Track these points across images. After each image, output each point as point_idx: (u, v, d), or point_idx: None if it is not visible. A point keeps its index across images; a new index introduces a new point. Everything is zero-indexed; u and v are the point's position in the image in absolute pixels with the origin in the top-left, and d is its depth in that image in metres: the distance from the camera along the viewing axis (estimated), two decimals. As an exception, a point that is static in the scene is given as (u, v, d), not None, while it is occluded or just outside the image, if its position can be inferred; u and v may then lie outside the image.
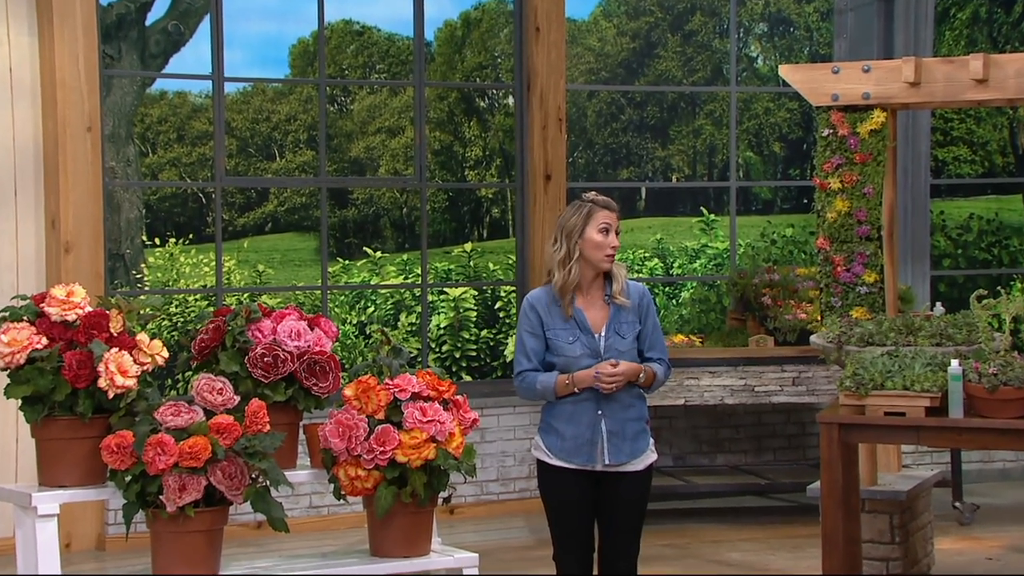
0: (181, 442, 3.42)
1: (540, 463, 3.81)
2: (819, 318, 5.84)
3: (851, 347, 4.59)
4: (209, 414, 3.56)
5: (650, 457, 3.78)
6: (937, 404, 4.12)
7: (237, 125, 6.59)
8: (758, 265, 6.89)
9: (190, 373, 5.55)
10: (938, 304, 5.29)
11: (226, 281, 6.41)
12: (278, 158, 6.73)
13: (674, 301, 7.36)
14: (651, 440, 3.80)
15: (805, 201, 7.40)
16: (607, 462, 3.70)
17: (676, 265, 7.43)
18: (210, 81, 6.30)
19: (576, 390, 3.71)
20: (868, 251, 5.27)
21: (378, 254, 6.94)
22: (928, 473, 5.46)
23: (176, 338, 6.19)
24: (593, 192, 3.84)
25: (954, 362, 4.06)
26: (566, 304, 3.73)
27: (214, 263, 6.33)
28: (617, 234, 3.73)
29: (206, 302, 6.42)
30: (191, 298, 6.48)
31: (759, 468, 6.91)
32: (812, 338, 4.99)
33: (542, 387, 3.74)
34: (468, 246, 7.15)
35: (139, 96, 6.37)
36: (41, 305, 3.50)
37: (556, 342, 3.72)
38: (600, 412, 3.70)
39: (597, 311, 3.74)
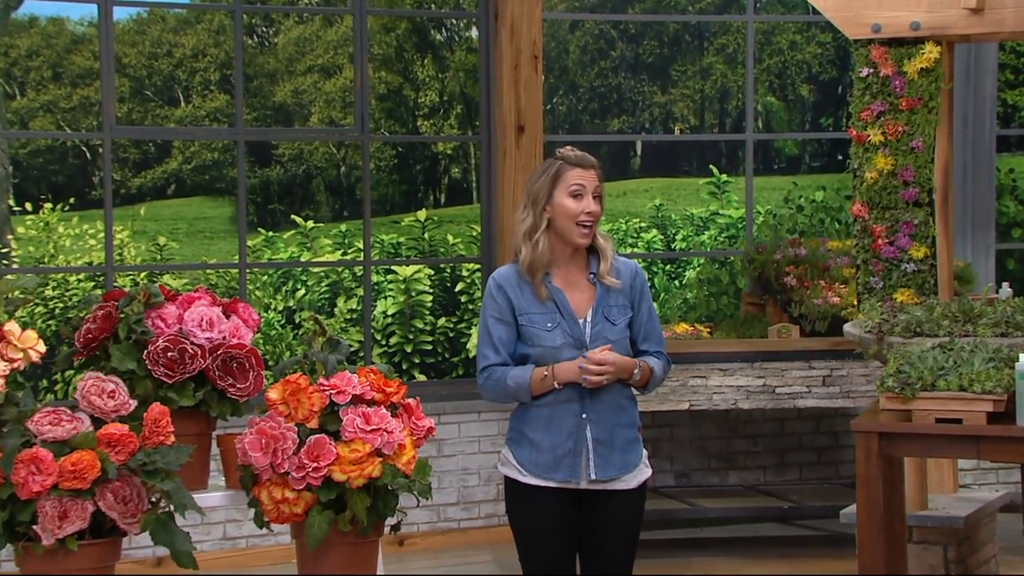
0: (62, 458, 3.39)
1: (509, 482, 3.80)
2: (855, 303, 5.87)
3: (895, 338, 4.62)
4: (98, 423, 3.52)
5: (644, 473, 3.79)
6: (1002, 408, 4.15)
7: (130, 61, 6.51)
8: (780, 237, 6.90)
9: (73, 372, 5.49)
10: (1004, 285, 5.32)
11: (118, 257, 6.35)
12: (183, 103, 6.65)
13: (677, 282, 7.37)
14: (644, 452, 3.81)
15: (839, 158, 7.43)
16: (593, 477, 3.70)
17: (679, 238, 7.44)
18: (95, 4, 6.22)
19: (556, 386, 3.69)
20: (916, 219, 5.30)
21: (309, 224, 6.89)
22: (992, 495, 5.51)
23: (54, 328, 6.13)
24: (570, 147, 3.83)
25: (1023, 356, 4.09)
26: (537, 284, 3.73)
27: (102, 235, 6.26)
28: (597, 199, 3.72)
29: (92, 283, 6.36)
30: (73, 278, 6.40)
31: (781, 488, 6.95)
32: (847, 327, 5.01)
33: (514, 384, 3.73)
34: (422, 214, 7.11)
35: (1, 22, 6.28)
36: None
37: (531, 329, 3.71)
38: (584, 416, 3.70)
39: (581, 292, 3.74)
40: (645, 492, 3.81)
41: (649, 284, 3.88)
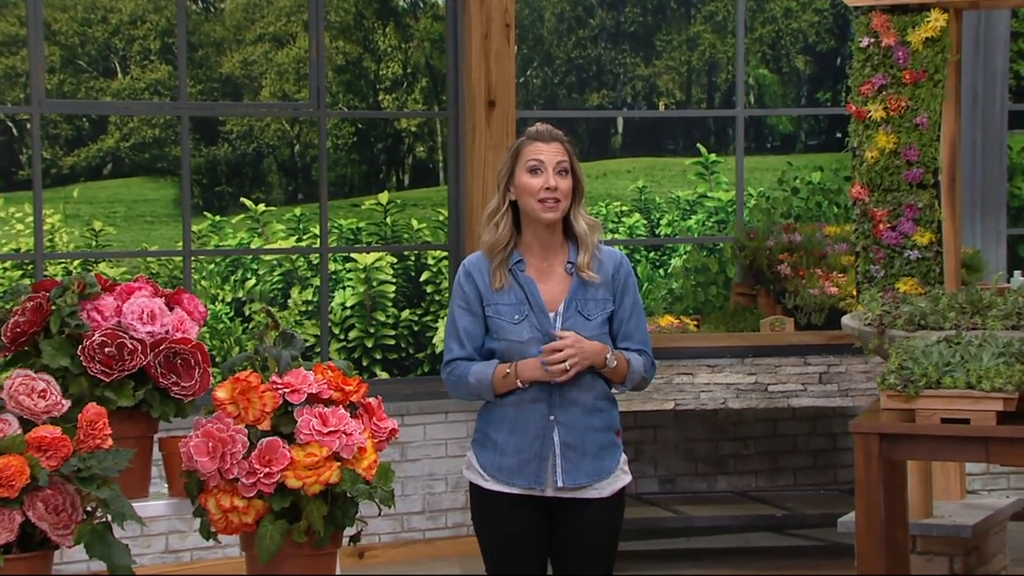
0: (-12, 463, 3.37)
1: (473, 487, 3.82)
2: (854, 293, 5.89)
3: (897, 332, 4.64)
4: (27, 425, 3.51)
5: (621, 479, 3.78)
6: (1013, 408, 4.17)
7: (61, 27, 6.47)
8: (774, 222, 6.92)
9: None
10: (1016, 273, 5.36)
11: (48, 244, 6.31)
12: (120, 75, 6.62)
13: (661, 271, 7.39)
14: (623, 457, 3.81)
15: (838, 135, 7.45)
16: (560, 484, 3.70)
17: (664, 222, 7.45)
18: (25, -33, 6.18)
19: (519, 384, 3.70)
20: (921, 202, 5.32)
21: (260, 208, 6.88)
22: (1002, 501, 5.55)
23: (-20, 322, 6.09)
24: (540, 123, 3.84)
25: (1034, 350, 4.12)
26: (494, 269, 3.73)
27: (31, 219, 6.23)
28: (564, 173, 3.71)
29: (20, 272, 6.32)
30: None
31: (774, 495, 6.98)
32: (845, 320, 5.03)
33: (476, 381, 3.73)
34: (384, 197, 7.10)
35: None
36: None
37: (497, 321, 3.72)
38: (552, 418, 3.70)
39: (555, 283, 3.74)
40: (623, 500, 3.81)
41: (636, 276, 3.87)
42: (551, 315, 3.71)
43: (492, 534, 3.78)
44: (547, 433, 3.70)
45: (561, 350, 3.63)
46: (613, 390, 3.80)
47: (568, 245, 3.77)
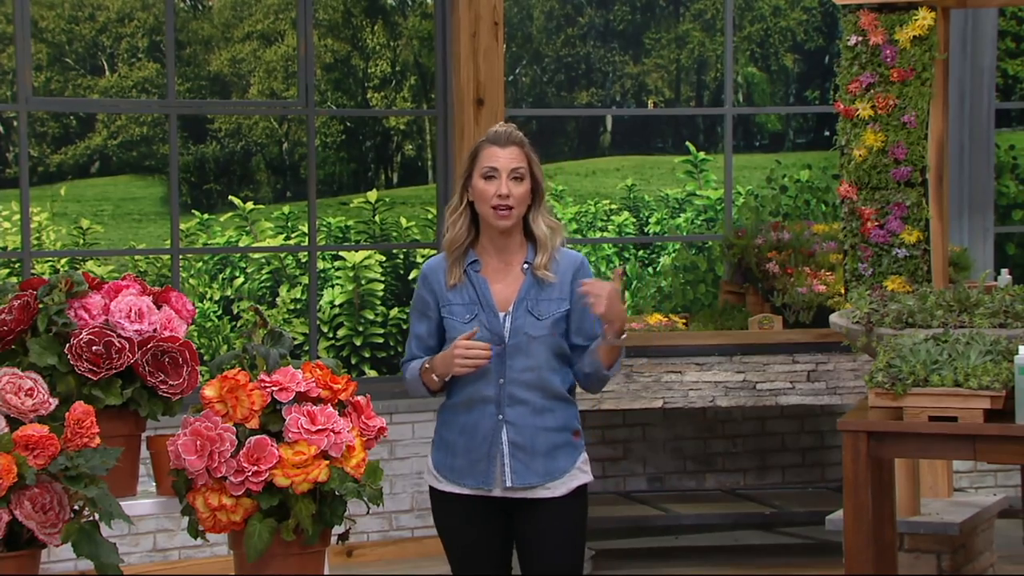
0: (-25, 462, 3.36)
1: (430, 489, 3.82)
2: (843, 291, 5.90)
3: (885, 330, 4.65)
4: (14, 424, 3.50)
5: (577, 479, 3.73)
6: (1000, 406, 4.18)
7: (48, 25, 6.46)
8: (762, 220, 6.93)
9: (-13, 368, 5.46)
10: (1003, 272, 5.36)
11: (36, 242, 6.30)
12: (108, 72, 6.61)
13: (650, 269, 7.39)
14: (581, 456, 3.75)
15: (826, 133, 7.46)
16: (508, 485, 3.67)
17: (653, 220, 7.46)
18: (12, -35, 6.17)
19: (436, 378, 3.69)
20: (909, 201, 5.33)
21: (249, 206, 6.87)
22: (990, 499, 5.56)
23: (-33, 320, 6.08)
24: (503, 123, 3.81)
25: (1023, 349, 4.13)
26: (450, 266, 3.71)
27: (18, 217, 6.21)
28: (519, 180, 3.66)
29: (7, 270, 6.31)
30: (-12, 265, 6.35)
31: (763, 493, 6.99)
32: (833, 318, 5.04)
33: (411, 377, 3.77)
34: (372, 195, 7.10)
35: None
36: None
37: (450, 321, 3.71)
38: (501, 418, 3.67)
39: (509, 284, 3.71)
40: (582, 499, 3.75)
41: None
42: (501, 315, 3.68)
43: (449, 535, 3.78)
44: (496, 433, 3.67)
45: (477, 348, 3.58)
46: (603, 373, 3.71)
47: (527, 246, 3.74)
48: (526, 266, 3.70)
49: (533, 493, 3.67)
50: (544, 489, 3.67)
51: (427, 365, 3.69)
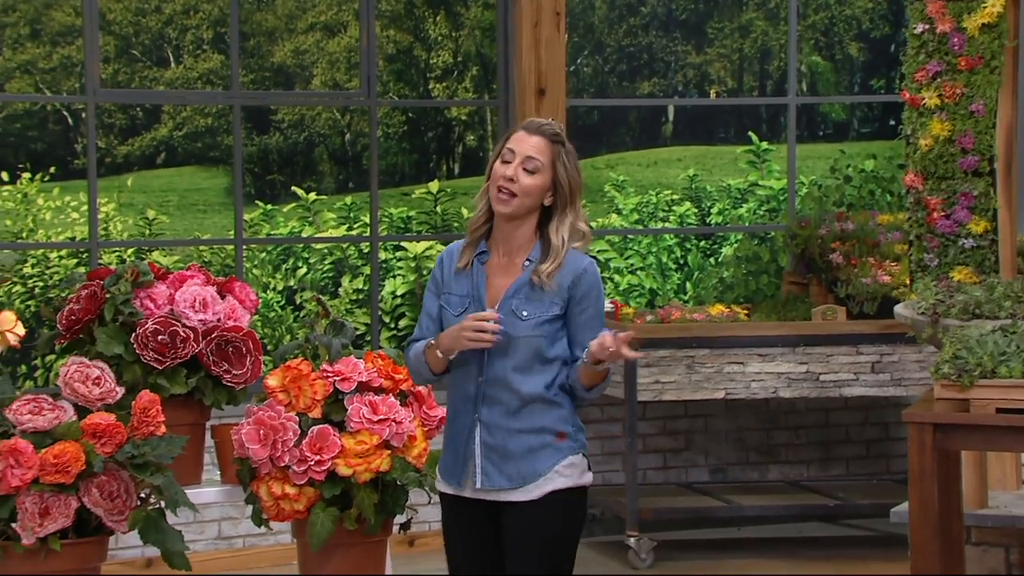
0: (43, 450, 3.40)
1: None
2: (908, 282, 5.84)
3: (951, 321, 4.60)
4: (82, 412, 3.54)
5: (553, 482, 3.51)
6: (1068, 397, 4.13)
7: (115, 17, 6.52)
8: (826, 210, 6.89)
9: (55, 357, 5.52)
10: (1071, 262, 5.27)
11: (103, 232, 6.37)
12: (173, 64, 6.66)
13: (712, 260, 7.35)
14: (566, 460, 3.53)
15: (891, 123, 7.40)
16: (477, 486, 3.52)
17: (715, 211, 7.42)
18: (79, -42, 6.23)
19: (439, 355, 3.53)
20: (976, 190, 5.27)
21: (312, 196, 6.91)
22: (1056, 490, 5.49)
23: (34, 309, 6.15)
24: (546, 118, 3.70)
25: (1091, 340, 4.08)
26: (464, 248, 3.60)
27: (86, 207, 6.28)
28: (532, 172, 3.52)
29: (75, 260, 6.38)
30: (54, 255, 6.43)
31: (826, 485, 6.95)
32: (898, 309, 5.00)
33: (414, 357, 3.60)
34: (434, 186, 7.11)
35: (-21, -23, 6.30)
36: None
37: (445, 312, 3.60)
38: (476, 416, 3.54)
39: (505, 280, 3.57)
40: (562, 504, 3.53)
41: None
42: (489, 311, 3.52)
43: (444, 535, 3.64)
44: (471, 432, 3.53)
45: (488, 320, 3.45)
46: (581, 394, 3.55)
47: (536, 243, 3.58)
48: (528, 263, 3.55)
49: (505, 496, 3.51)
50: (517, 492, 3.50)
51: (432, 342, 3.54)
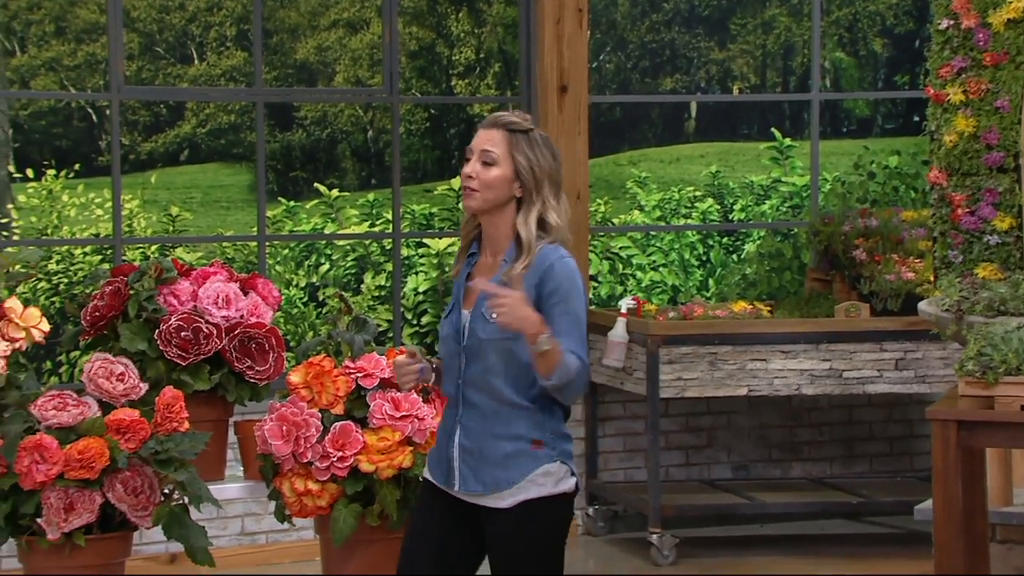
0: (68, 446, 3.42)
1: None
2: (932, 279, 5.82)
3: (976, 317, 4.59)
4: (106, 408, 3.56)
5: (527, 491, 3.44)
6: (1093, 394, 4.11)
7: (140, 15, 6.54)
8: (849, 207, 6.87)
9: (79, 353, 5.54)
10: (1096, 259, 5.25)
11: (127, 229, 6.39)
12: (197, 61, 6.68)
13: (735, 256, 7.34)
14: (542, 468, 3.45)
15: (916, 119, 7.37)
16: (457, 489, 3.50)
17: (738, 208, 7.40)
18: (103, -44, 6.26)
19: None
20: (1001, 187, 5.25)
21: (334, 193, 6.91)
22: (1081, 488, 5.46)
23: (59, 305, 6.17)
24: (511, 111, 3.64)
25: (1117, 337, 4.06)
26: (458, 254, 3.62)
27: (110, 204, 6.31)
28: (488, 164, 3.44)
29: (100, 257, 6.40)
30: (79, 251, 6.45)
31: (850, 482, 6.93)
32: (922, 305, 4.98)
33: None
34: (456, 182, 7.11)
35: (5, -25, 6.33)
36: None
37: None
38: (458, 418, 3.51)
39: (484, 281, 3.50)
40: (537, 514, 3.46)
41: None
42: (464, 313, 3.53)
43: (412, 516, 3.61)
44: (453, 433, 3.51)
45: (404, 364, 3.45)
46: (543, 383, 3.42)
47: (513, 241, 3.51)
48: (504, 263, 3.49)
49: (482, 501, 3.47)
50: (491, 499, 3.45)
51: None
